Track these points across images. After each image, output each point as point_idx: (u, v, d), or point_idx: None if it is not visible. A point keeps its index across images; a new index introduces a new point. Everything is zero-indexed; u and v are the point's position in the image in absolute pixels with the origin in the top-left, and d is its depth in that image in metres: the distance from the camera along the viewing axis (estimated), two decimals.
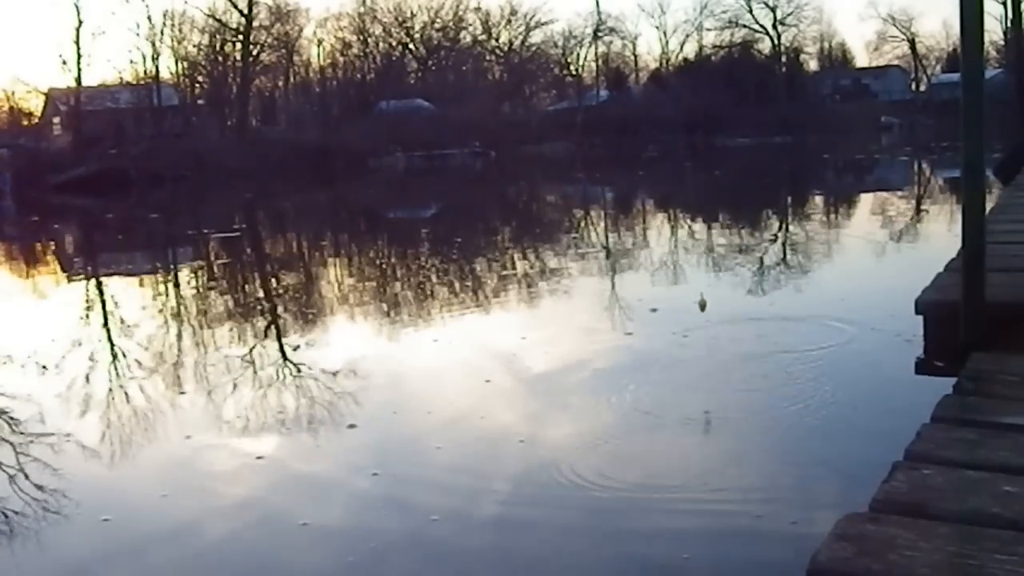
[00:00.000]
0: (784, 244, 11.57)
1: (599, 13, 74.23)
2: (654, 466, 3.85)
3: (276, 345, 6.81)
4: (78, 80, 43.75)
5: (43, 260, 15.95)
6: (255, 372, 5.89)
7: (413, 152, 46.38)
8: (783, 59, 65.16)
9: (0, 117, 47.60)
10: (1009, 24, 33.83)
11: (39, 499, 3.83)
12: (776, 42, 64.64)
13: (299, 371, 5.87)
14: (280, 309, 8.66)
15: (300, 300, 9.29)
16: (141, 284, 11.29)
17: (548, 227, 16.03)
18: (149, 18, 53.27)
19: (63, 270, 13.96)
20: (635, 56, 69.77)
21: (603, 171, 34.99)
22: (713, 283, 8.76)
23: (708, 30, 67.40)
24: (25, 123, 46.45)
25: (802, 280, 8.72)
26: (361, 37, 60.69)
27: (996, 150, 11.15)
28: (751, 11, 64.42)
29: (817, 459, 3.84)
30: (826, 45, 70.67)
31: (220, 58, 50.32)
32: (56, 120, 47.06)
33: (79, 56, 43.00)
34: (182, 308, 9.19)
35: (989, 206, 4.32)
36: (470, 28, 64.10)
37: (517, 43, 64.28)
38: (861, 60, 76.86)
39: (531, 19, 64.14)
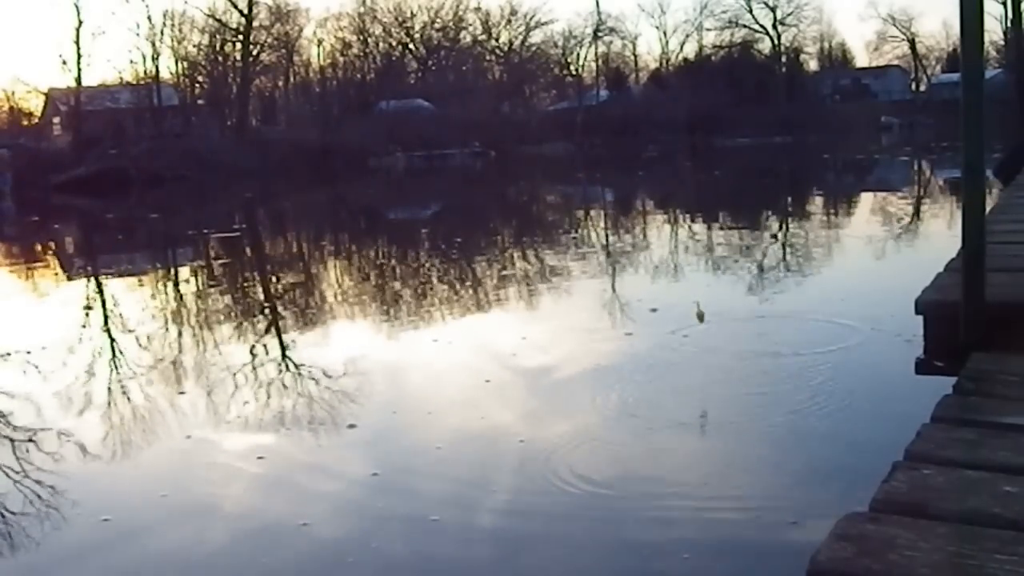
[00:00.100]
0: (784, 244, 11.57)
1: (599, 13, 74.33)
2: (655, 466, 3.85)
3: (276, 345, 6.81)
4: (78, 80, 43.77)
5: (43, 260, 15.95)
6: (255, 372, 5.89)
7: (413, 152, 46.38)
8: (783, 59, 65.17)
9: (0, 117, 47.62)
10: (1009, 24, 33.82)
11: (39, 499, 3.83)
12: (776, 42, 64.69)
13: (299, 371, 5.87)
14: (280, 309, 8.66)
15: (300, 300, 9.29)
16: (141, 284, 11.29)
17: (548, 227, 16.03)
18: (149, 18, 53.27)
19: (63, 270, 13.96)
20: (635, 56, 69.85)
21: (603, 171, 34.99)
22: (713, 283, 8.77)
23: (708, 30, 67.47)
24: (25, 123, 46.49)
25: (802, 280, 8.72)
26: (361, 37, 60.70)
27: (996, 150, 11.14)
28: (751, 11, 64.47)
29: (817, 459, 3.84)
30: (826, 45, 70.75)
31: (220, 58, 50.31)
32: (56, 120, 47.07)
33: (79, 56, 43.03)
34: (182, 308, 9.19)
35: (989, 206, 4.32)
36: (470, 28, 64.15)
37: (517, 43, 64.32)
38: (861, 60, 76.95)
39: (531, 19, 64.20)
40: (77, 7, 42.69)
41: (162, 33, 47.01)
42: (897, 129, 56.19)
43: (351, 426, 4.61)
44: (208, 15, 48.62)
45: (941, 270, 3.60)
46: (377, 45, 61.43)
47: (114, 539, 3.47)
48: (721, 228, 14.35)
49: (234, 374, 5.82)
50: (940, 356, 2.98)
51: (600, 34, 63.57)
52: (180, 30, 48.63)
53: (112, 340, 7.46)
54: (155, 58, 46.54)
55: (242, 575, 3.16)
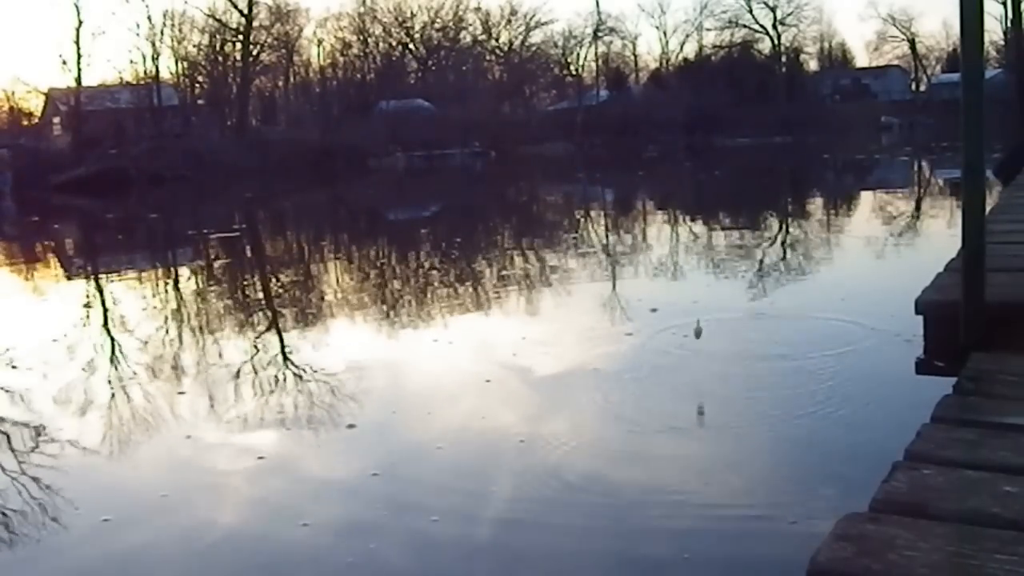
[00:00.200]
0: (784, 244, 11.57)
1: (599, 13, 74.34)
2: (656, 466, 3.85)
3: (276, 345, 6.81)
4: (78, 80, 43.79)
5: (43, 260, 15.95)
6: (255, 372, 5.89)
7: (413, 152, 46.39)
8: (783, 59, 65.16)
9: (0, 117, 47.63)
10: (1009, 24, 33.82)
11: (39, 499, 3.83)
12: (776, 42, 64.67)
13: (299, 371, 5.87)
14: (280, 309, 8.66)
15: (300, 300, 9.29)
16: (141, 284, 11.29)
17: (548, 227, 16.03)
18: (149, 18, 53.28)
19: (63, 270, 13.96)
20: (635, 56, 69.83)
21: (603, 171, 34.99)
22: (713, 283, 8.77)
23: (708, 30, 67.45)
24: (25, 123, 46.50)
25: (802, 280, 8.72)
26: (361, 37, 60.70)
27: (996, 150, 11.14)
28: (751, 11, 64.45)
29: (818, 458, 3.84)
30: (826, 45, 70.74)
31: (220, 58, 50.33)
32: (56, 120, 47.07)
33: (79, 56, 43.05)
34: (182, 308, 9.19)
35: (989, 206, 4.32)
36: (470, 28, 64.14)
37: (517, 43, 64.31)
38: (861, 60, 76.93)
39: (531, 19, 64.18)
40: (77, 7, 42.74)
41: (162, 33, 47.06)
42: (897, 129, 56.19)
43: (351, 426, 4.61)
44: (208, 15, 48.69)
45: (941, 270, 3.60)
46: (377, 45, 61.44)
47: (114, 539, 3.47)
48: (721, 228, 14.35)
49: (234, 374, 5.83)
50: (940, 356, 2.98)
51: (600, 34, 63.60)
52: (180, 30, 48.69)
53: (112, 340, 7.46)
54: (155, 58, 46.58)
55: (241, 575, 3.16)
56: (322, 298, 9.30)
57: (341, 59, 60.68)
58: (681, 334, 5.94)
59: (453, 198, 26.22)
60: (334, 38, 60.81)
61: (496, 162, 44.06)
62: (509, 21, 64.08)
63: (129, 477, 4.18)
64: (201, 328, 7.86)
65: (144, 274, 12.28)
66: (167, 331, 7.77)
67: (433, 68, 62.86)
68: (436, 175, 38.16)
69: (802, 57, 67.84)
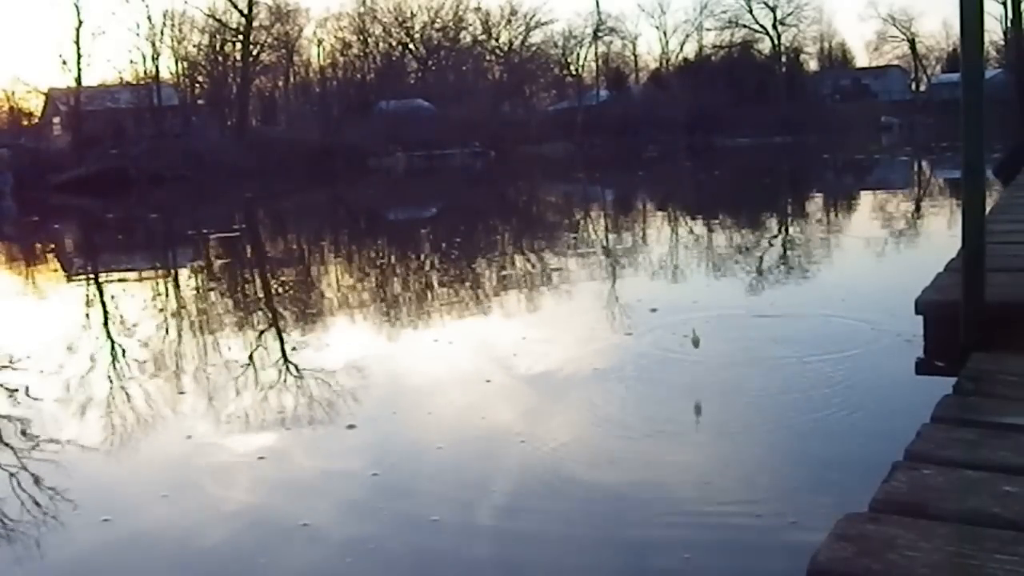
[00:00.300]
0: (784, 245, 11.57)
1: (599, 13, 74.39)
2: (657, 466, 3.85)
3: (276, 345, 6.81)
4: (78, 80, 43.79)
5: (43, 260, 15.95)
6: (255, 372, 5.89)
7: (413, 152, 46.39)
8: (783, 59, 65.18)
9: (0, 117, 47.63)
10: (1009, 24, 33.81)
11: (40, 499, 3.83)
12: (776, 42, 64.70)
13: (299, 371, 5.87)
14: (280, 309, 8.67)
15: (300, 300, 9.29)
16: (141, 284, 11.29)
17: (548, 227, 16.03)
18: (149, 18, 53.44)
19: (63, 270, 13.96)
20: (635, 56, 69.86)
21: (603, 171, 35.00)
22: (712, 283, 8.77)
23: (708, 30, 67.50)
24: (25, 123, 46.50)
25: (802, 280, 8.72)
26: (361, 37, 60.72)
27: (996, 150, 11.14)
28: (751, 11, 64.48)
29: (818, 458, 3.85)
30: (826, 45, 70.79)
31: (220, 58, 50.33)
32: (56, 120, 47.08)
33: (79, 56, 43.05)
34: (182, 308, 9.19)
35: (989, 206, 4.32)
36: (470, 28, 64.16)
37: (517, 43, 64.32)
38: (861, 60, 76.99)
39: (531, 19, 64.20)
40: (77, 7, 42.75)
41: (162, 33, 47.07)
42: (897, 129, 56.20)
43: (351, 426, 4.61)
44: (208, 15, 48.69)
45: (941, 270, 3.60)
46: (377, 45, 61.45)
47: (115, 539, 3.47)
48: (721, 228, 14.36)
49: (234, 374, 5.83)
50: (940, 356, 2.98)
51: (600, 34, 63.62)
52: (180, 30, 48.70)
53: (112, 340, 7.46)
54: (155, 58, 46.59)
55: (242, 575, 3.16)
56: (322, 298, 9.31)
57: (341, 59, 60.73)
58: (681, 334, 5.94)
59: (453, 198, 26.22)
60: (334, 38, 60.87)
61: (496, 162, 44.06)
62: (509, 21, 64.13)
63: (129, 477, 4.18)
64: (201, 328, 7.86)
65: (144, 274, 12.28)
66: (167, 331, 7.77)
67: (433, 68, 62.88)
68: (436, 175, 38.16)
69: (802, 57, 67.94)
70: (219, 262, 13.31)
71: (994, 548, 1.55)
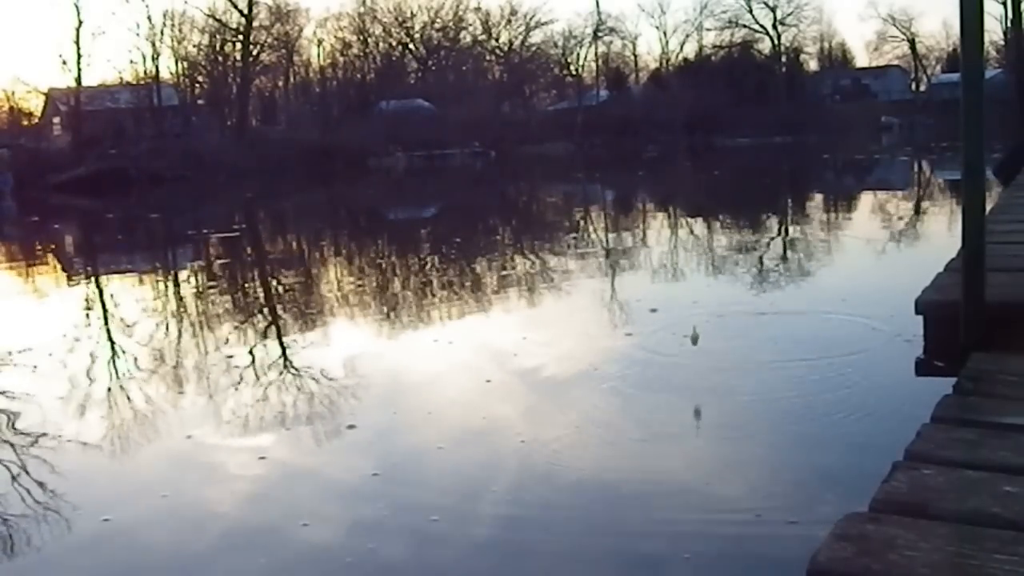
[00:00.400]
0: (784, 245, 11.57)
1: (599, 13, 74.42)
2: (657, 465, 3.85)
3: (276, 345, 6.81)
4: (78, 80, 43.82)
5: (43, 260, 15.95)
6: (255, 372, 5.89)
7: (413, 152, 46.41)
8: (783, 59, 65.19)
9: (0, 117, 47.64)
10: (1009, 24, 33.83)
11: (40, 499, 3.83)
12: (776, 42, 64.72)
13: (299, 371, 5.87)
14: (280, 309, 8.67)
15: (300, 300, 9.29)
16: (141, 284, 11.29)
17: (548, 227, 16.03)
18: (149, 18, 53.44)
19: (63, 270, 13.96)
20: (635, 56, 69.89)
21: (603, 171, 35.00)
22: (712, 283, 8.78)
23: (708, 30, 67.54)
24: (25, 123, 46.50)
25: (802, 281, 8.73)
26: (361, 37, 60.73)
27: (996, 150, 11.15)
28: (751, 11, 64.50)
29: (818, 458, 3.85)
30: (826, 45, 70.80)
31: (220, 58, 50.35)
32: (56, 120, 47.10)
33: (79, 56, 43.09)
34: (182, 308, 9.19)
35: (989, 206, 4.32)
36: (470, 28, 64.18)
37: (517, 43, 64.34)
38: (861, 60, 77.02)
39: (531, 19, 64.23)
40: (77, 7, 42.78)
41: (162, 33, 47.10)
42: (897, 129, 56.21)
43: (351, 426, 4.61)
44: (208, 15, 48.72)
45: (941, 270, 3.61)
46: (377, 45, 61.47)
47: (115, 539, 3.47)
48: (721, 228, 14.36)
49: (234, 374, 5.83)
50: (940, 356, 2.98)
51: (600, 34, 63.64)
52: (180, 30, 48.72)
53: (112, 340, 7.46)
54: (155, 58, 46.63)
55: (241, 574, 3.16)
56: (322, 298, 9.31)
57: (341, 59, 60.75)
58: (681, 334, 5.94)
59: (453, 198, 26.22)
60: (334, 38, 60.90)
61: (496, 162, 44.07)
62: (509, 21, 64.15)
63: (129, 477, 4.18)
64: (201, 328, 7.86)
65: (144, 274, 12.28)
66: (167, 331, 7.77)
67: (433, 68, 62.89)
68: (436, 175, 38.16)
69: (802, 57, 67.96)
70: (219, 262, 13.32)
71: (994, 548, 1.55)
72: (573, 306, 7.92)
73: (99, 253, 16.50)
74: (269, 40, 53.42)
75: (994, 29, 51.22)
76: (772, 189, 23.15)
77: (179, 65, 50.07)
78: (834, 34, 75.95)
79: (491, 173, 38.11)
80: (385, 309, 8.23)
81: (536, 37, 64.43)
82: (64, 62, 43.43)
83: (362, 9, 60.50)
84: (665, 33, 79.73)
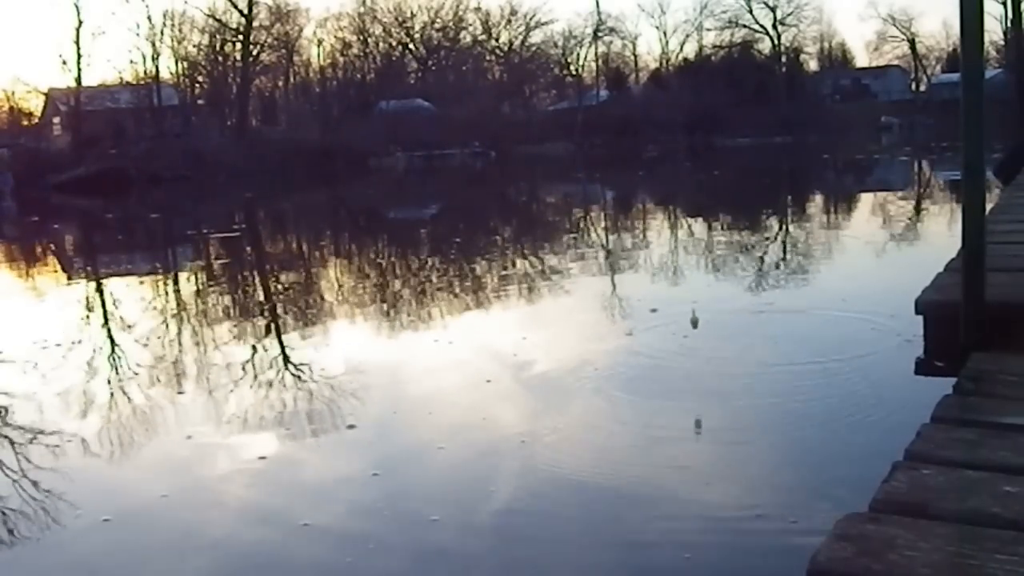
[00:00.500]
0: (784, 245, 11.57)
1: (599, 13, 74.44)
2: (657, 465, 3.85)
3: (276, 345, 6.81)
4: (78, 80, 43.84)
5: (43, 260, 15.95)
6: (255, 372, 5.89)
7: (413, 152, 46.42)
8: (783, 59, 65.19)
9: (0, 117, 47.65)
10: (1009, 24, 33.86)
11: (39, 499, 3.83)
12: (776, 42, 64.70)
13: (299, 371, 5.87)
14: (280, 309, 8.67)
15: (300, 301, 9.29)
16: (141, 284, 11.29)
17: (548, 227, 16.04)
18: (149, 18, 53.47)
19: (63, 270, 13.96)
20: (635, 56, 69.90)
21: (603, 171, 35.00)
22: (712, 283, 8.77)
23: (708, 30, 67.53)
24: (25, 123, 46.51)
25: (802, 281, 8.72)
26: (361, 37, 60.74)
27: (996, 150, 11.14)
28: (751, 11, 64.50)
29: (818, 458, 3.85)
30: (826, 45, 70.82)
31: (220, 58, 50.37)
32: (56, 120, 47.11)
33: (79, 56, 43.12)
34: (182, 308, 9.19)
35: (989, 206, 4.32)
36: (470, 28, 64.21)
37: (517, 43, 64.36)
38: (861, 60, 77.05)
39: (531, 19, 64.26)
40: (77, 7, 42.81)
41: (162, 33, 47.13)
42: (897, 129, 56.21)
43: (351, 426, 4.61)
44: (208, 15, 48.75)
45: (941, 270, 3.61)
46: (377, 45, 61.48)
47: (115, 539, 3.47)
48: (721, 228, 14.36)
49: (234, 374, 5.83)
50: (940, 356, 2.98)
51: (600, 34, 63.65)
52: (180, 30, 48.75)
53: (112, 340, 7.46)
54: (155, 58, 46.65)
55: (241, 574, 3.16)
56: (322, 298, 9.31)
57: (341, 59, 60.76)
58: (681, 335, 5.94)
59: (453, 198, 26.22)
60: (334, 38, 60.91)
61: (496, 162, 44.07)
62: (509, 21, 64.18)
63: (129, 477, 4.18)
64: (201, 328, 7.86)
65: (144, 274, 12.28)
66: (167, 331, 7.77)
67: (433, 68, 62.90)
68: (436, 175, 38.16)
69: (802, 57, 67.97)
70: (219, 262, 13.32)
71: (994, 548, 1.55)
72: (573, 306, 7.92)
73: (99, 253, 16.50)
74: (269, 40, 53.47)
75: (994, 29, 51.29)
76: (772, 189, 23.15)
77: (179, 65, 50.14)
78: (834, 34, 76.04)
79: (491, 173, 38.10)
80: (385, 309, 8.23)
81: (536, 37, 64.52)
82: (64, 62, 43.51)
83: (362, 9, 60.56)
84: (665, 33, 79.78)
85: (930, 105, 58.82)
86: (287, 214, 23.81)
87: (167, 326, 8.04)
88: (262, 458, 4.19)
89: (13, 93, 46.39)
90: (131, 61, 51.25)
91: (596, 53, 64.28)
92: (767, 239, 12.27)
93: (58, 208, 28.93)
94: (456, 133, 48.36)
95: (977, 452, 2.00)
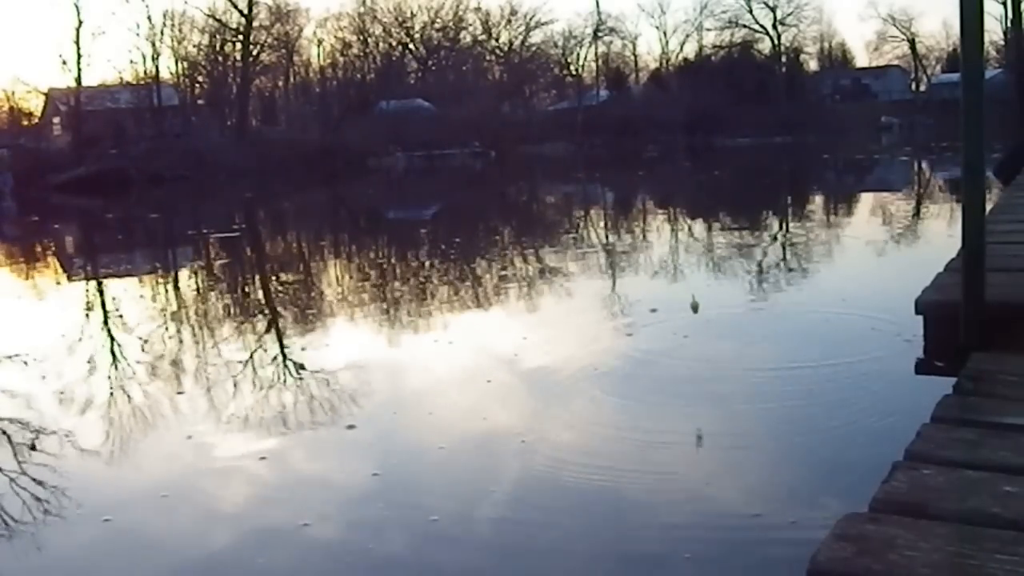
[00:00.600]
0: (784, 245, 11.57)
1: (599, 13, 74.41)
2: (657, 465, 3.85)
3: (276, 345, 6.81)
4: (78, 80, 43.80)
5: (43, 260, 15.95)
6: (255, 372, 5.89)
7: (413, 152, 46.41)
8: (783, 59, 65.18)
9: (0, 117, 47.63)
10: (1009, 24, 33.87)
11: (40, 499, 3.83)
12: (776, 42, 64.69)
13: (299, 371, 5.87)
14: (280, 309, 8.67)
15: (300, 301, 9.29)
16: (141, 284, 11.29)
17: (548, 227, 16.03)
18: (149, 18, 53.38)
19: (63, 270, 13.96)
20: (635, 56, 69.89)
21: (603, 171, 35.00)
22: (712, 284, 8.77)
23: (708, 30, 67.52)
24: (25, 123, 46.47)
25: (802, 281, 8.72)
26: (361, 37, 60.72)
27: (996, 150, 11.14)
28: (751, 11, 64.49)
29: (818, 458, 3.85)
30: (826, 45, 70.80)
31: (220, 58, 50.34)
32: (56, 120, 47.09)
33: (79, 56, 43.07)
34: (182, 309, 9.19)
35: (989, 206, 4.32)
36: (470, 28, 64.18)
37: (517, 43, 64.34)
38: (861, 60, 77.02)
39: (531, 19, 64.24)
40: (77, 7, 42.76)
41: (162, 33, 47.09)
42: (897, 129, 56.21)
43: (351, 426, 4.61)
44: (208, 15, 48.71)
45: (941, 270, 3.61)
46: (377, 45, 61.46)
47: (115, 539, 3.47)
48: (721, 228, 14.36)
49: (234, 374, 5.83)
50: (940, 356, 2.98)
51: (600, 34, 63.64)
52: (180, 30, 48.71)
53: (112, 340, 7.46)
54: (155, 58, 46.62)
55: (242, 574, 3.16)
56: (322, 298, 9.31)
57: (341, 59, 60.74)
58: (681, 334, 5.94)
59: (453, 198, 26.22)
60: (334, 38, 60.90)
61: (496, 162, 44.07)
62: (509, 21, 64.16)
63: (129, 477, 4.18)
64: (201, 329, 7.86)
65: (144, 274, 12.28)
66: (167, 331, 7.77)
67: (433, 68, 62.90)
68: (436, 175, 38.15)
69: (802, 57, 67.96)
70: (219, 262, 13.32)
71: (994, 548, 1.55)
72: (573, 306, 7.92)
73: (99, 253, 16.49)
74: (269, 40, 53.41)
75: (994, 29, 51.29)
76: (772, 189, 23.15)
77: (179, 65, 50.11)
78: (834, 34, 76.01)
79: (491, 173, 38.10)
80: (385, 309, 8.23)
81: (536, 37, 64.49)
82: (64, 62, 43.45)
83: (362, 9, 60.54)
84: (665, 33, 79.76)
85: (930, 105, 58.80)
86: (287, 214, 23.80)
87: (167, 326, 8.04)
88: (263, 458, 4.19)
89: (13, 93, 46.39)
90: (131, 61, 51.23)
91: (596, 53, 64.34)
92: (767, 239, 12.27)
93: (58, 208, 28.93)
94: (456, 133, 48.35)
95: (977, 452, 2.00)
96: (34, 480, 4.06)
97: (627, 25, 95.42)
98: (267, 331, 7.47)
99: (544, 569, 3.08)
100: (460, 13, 62.90)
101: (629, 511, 3.44)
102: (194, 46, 50.25)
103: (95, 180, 34.49)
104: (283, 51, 56.48)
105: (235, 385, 5.57)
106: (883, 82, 70.40)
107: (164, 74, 48.33)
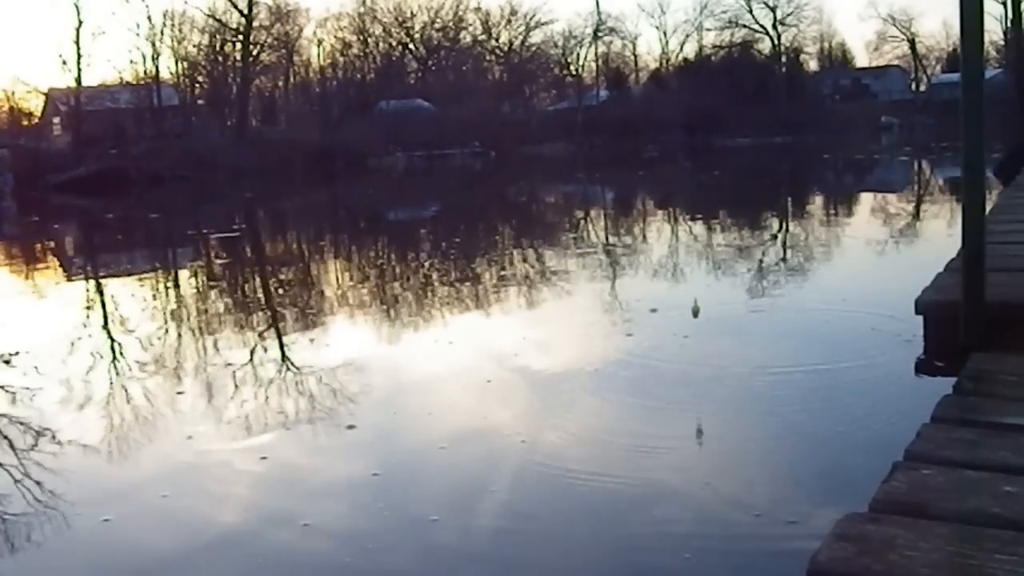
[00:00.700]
0: (784, 245, 11.57)
1: (599, 13, 74.48)
2: (657, 465, 3.85)
3: (276, 345, 6.81)
4: (78, 80, 43.85)
5: (43, 260, 15.95)
6: (255, 372, 5.89)
7: (413, 152, 46.43)
8: (783, 59, 65.22)
9: (0, 117, 47.64)
10: (1009, 24, 33.88)
11: (40, 499, 3.83)
12: (776, 42, 64.73)
13: (299, 371, 5.87)
14: (280, 309, 8.66)
15: (300, 301, 9.29)
16: (141, 284, 11.29)
17: (548, 227, 16.03)
18: (149, 18, 53.51)
19: (63, 270, 13.96)
20: (635, 56, 69.94)
21: (603, 171, 34.99)
22: (712, 284, 8.77)
23: (708, 30, 67.58)
24: (25, 123, 46.50)
25: (802, 281, 8.72)
26: (361, 37, 60.74)
27: (996, 150, 11.15)
28: (751, 11, 64.53)
29: (818, 458, 3.85)
30: (826, 45, 70.87)
31: (220, 58, 50.36)
32: (56, 120, 47.12)
33: (79, 56, 43.13)
34: (182, 308, 9.19)
35: (989, 206, 4.32)
36: (470, 28, 64.22)
37: (517, 43, 64.37)
38: (861, 60, 77.10)
39: (531, 19, 64.28)
40: (77, 7, 42.82)
41: (162, 33, 47.14)
42: (897, 129, 56.22)
43: (351, 426, 4.61)
44: (208, 15, 48.75)
45: (941, 270, 3.61)
46: (377, 45, 61.48)
47: (115, 539, 3.47)
48: (721, 228, 14.35)
49: (234, 374, 5.83)
50: (940, 356, 2.99)
51: (600, 34, 63.69)
52: (180, 30, 48.77)
53: (112, 340, 7.46)
54: (155, 58, 46.67)
55: (241, 574, 3.16)
56: (322, 298, 9.30)
57: (341, 59, 60.76)
58: (681, 335, 5.94)
59: (453, 198, 26.22)
60: (334, 38, 60.93)
61: (496, 162, 44.06)
62: (509, 21, 64.20)
63: (129, 477, 4.18)
64: (201, 329, 7.86)
65: (144, 274, 12.28)
66: (167, 331, 7.77)
67: (433, 68, 62.92)
68: (436, 175, 38.15)
69: (802, 57, 68.04)
70: (219, 262, 13.31)
71: (994, 548, 1.55)
72: (573, 306, 7.92)
73: (99, 253, 16.49)
74: (269, 40, 53.43)
75: (994, 29, 51.30)
76: (772, 189, 23.15)
77: (179, 65, 50.14)
78: (834, 34, 76.08)
79: (491, 173, 38.09)
80: (385, 309, 8.23)
81: (536, 37, 64.53)
82: (64, 62, 43.51)
83: (362, 9, 60.57)
84: (665, 33, 79.88)
85: (930, 105, 58.84)
86: (287, 214, 23.80)
87: (167, 326, 8.04)
88: (263, 458, 4.19)
89: (13, 93, 46.44)
90: (131, 61, 51.37)
91: (596, 53, 64.39)
92: (767, 239, 12.27)
93: (58, 208, 28.92)
94: (456, 133, 48.37)
95: (977, 452, 2.00)
96: (34, 479, 4.06)
97: (627, 25, 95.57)
98: (267, 331, 7.47)
99: (545, 569, 3.08)
100: (460, 13, 62.99)
101: (629, 511, 3.44)
102: (194, 46, 50.34)
103: (95, 180, 34.50)
104: (283, 51, 56.51)
105: (235, 385, 5.57)
106: (883, 82, 70.42)
107: (164, 74, 48.44)
